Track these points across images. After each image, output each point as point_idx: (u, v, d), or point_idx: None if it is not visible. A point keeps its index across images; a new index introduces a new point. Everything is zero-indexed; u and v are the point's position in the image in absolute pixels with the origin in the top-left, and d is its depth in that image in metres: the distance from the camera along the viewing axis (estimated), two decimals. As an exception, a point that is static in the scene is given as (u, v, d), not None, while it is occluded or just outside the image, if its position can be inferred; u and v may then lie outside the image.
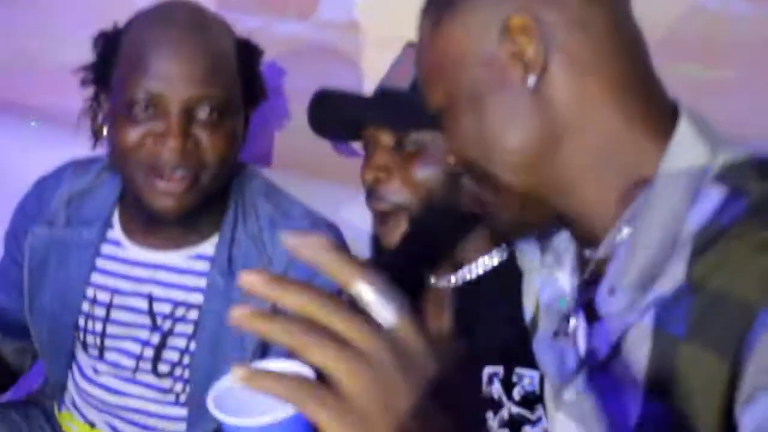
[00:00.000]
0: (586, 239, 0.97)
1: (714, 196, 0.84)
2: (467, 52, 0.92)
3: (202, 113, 1.33)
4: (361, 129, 1.38)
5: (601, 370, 0.94)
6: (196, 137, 1.33)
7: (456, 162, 0.99)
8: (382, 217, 1.34)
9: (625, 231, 0.90)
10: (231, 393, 1.01)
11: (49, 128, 1.91)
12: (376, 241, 1.38)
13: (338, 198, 1.64)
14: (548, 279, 1.07)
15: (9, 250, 1.60)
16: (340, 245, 0.92)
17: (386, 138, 1.32)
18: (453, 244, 1.35)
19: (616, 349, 0.90)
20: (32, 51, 2.16)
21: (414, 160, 1.29)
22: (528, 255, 1.13)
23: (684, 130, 0.89)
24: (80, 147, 1.54)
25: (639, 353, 0.87)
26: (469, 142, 0.94)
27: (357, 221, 1.48)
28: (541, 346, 1.09)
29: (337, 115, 1.37)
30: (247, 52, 1.44)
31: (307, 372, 0.98)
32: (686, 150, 0.88)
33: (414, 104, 1.14)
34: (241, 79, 1.41)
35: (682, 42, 1.54)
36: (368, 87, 1.78)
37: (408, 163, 1.29)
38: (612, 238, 0.91)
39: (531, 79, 0.88)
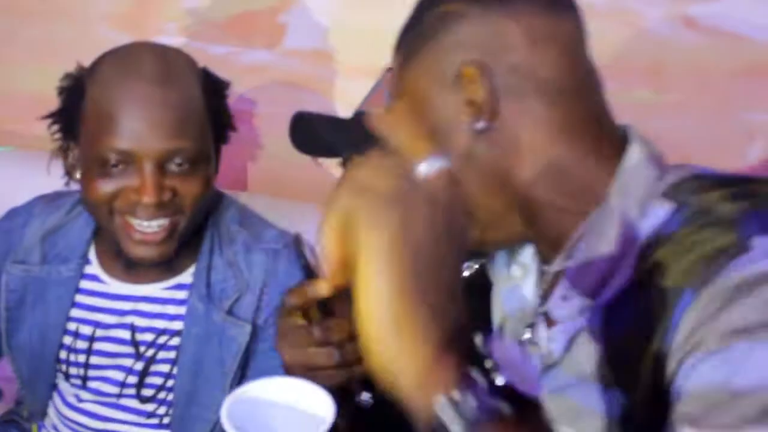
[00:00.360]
0: (546, 255, 1.03)
1: (660, 211, 0.90)
2: (429, 96, 0.97)
3: (175, 164, 1.32)
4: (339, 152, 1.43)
5: (559, 369, 1.00)
6: (171, 187, 1.33)
7: None
8: None
9: (580, 245, 0.96)
10: (243, 407, 1.02)
11: (20, 154, 1.92)
12: None
13: (310, 217, 1.69)
14: (514, 290, 1.13)
15: None
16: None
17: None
18: None
19: (569, 348, 0.96)
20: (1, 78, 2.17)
21: None
22: (497, 267, 1.18)
23: (634, 155, 0.95)
24: (53, 175, 1.52)
25: (590, 351, 0.93)
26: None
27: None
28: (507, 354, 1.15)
29: (316, 140, 1.40)
30: (214, 89, 1.43)
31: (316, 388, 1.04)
32: (636, 171, 0.93)
33: None
34: (210, 117, 1.40)
35: (634, 68, 1.61)
36: (335, 112, 1.83)
37: None
38: (567, 252, 0.98)
39: (482, 123, 0.93)
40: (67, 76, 1.40)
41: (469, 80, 0.93)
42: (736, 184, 0.89)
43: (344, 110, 1.81)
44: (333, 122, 1.39)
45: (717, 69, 1.56)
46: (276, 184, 1.85)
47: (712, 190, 0.89)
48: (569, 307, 0.95)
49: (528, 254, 1.12)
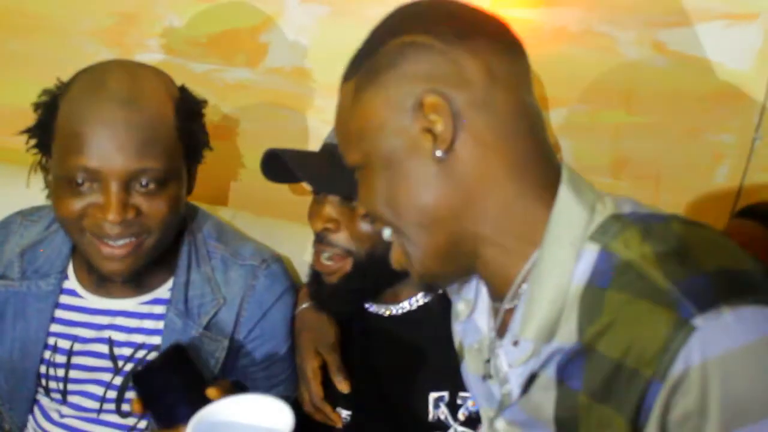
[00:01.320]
0: (495, 291, 1.06)
1: (589, 255, 0.95)
2: (385, 121, 0.99)
3: (141, 184, 1.33)
4: None
5: (515, 407, 1.05)
6: (136, 206, 1.34)
7: (368, 215, 1.07)
8: (321, 253, 1.42)
9: (524, 287, 1.00)
10: (206, 428, 1.10)
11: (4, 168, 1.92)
12: (316, 273, 1.46)
13: (287, 234, 1.72)
14: (468, 323, 1.18)
15: None
16: None
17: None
18: (390, 284, 1.44)
19: (526, 391, 1.01)
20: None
21: (360, 214, 1.38)
22: (453, 300, 1.23)
23: (563, 197, 0.98)
24: (32, 189, 1.53)
25: (546, 399, 0.99)
26: (381, 199, 1.01)
27: (305, 255, 1.54)
28: (471, 383, 1.19)
29: (287, 175, 1.42)
30: (188, 109, 1.43)
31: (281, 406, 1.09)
32: (566, 215, 0.97)
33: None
34: (182, 137, 1.40)
35: (607, 91, 1.66)
36: (314, 129, 1.86)
37: (354, 216, 1.39)
38: (512, 292, 1.02)
39: (438, 152, 0.96)
40: (45, 91, 1.42)
41: (430, 109, 0.96)
42: (656, 234, 0.93)
43: (323, 127, 1.84)
44: (302, 156, 1.42)
45: (686, 92, 1.61)
46: (257, 202, 1.87)
47: (635, 239, 0.93)
48: (520, 352, 1.00)
49: (471, 289, 1.16)
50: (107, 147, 1.30)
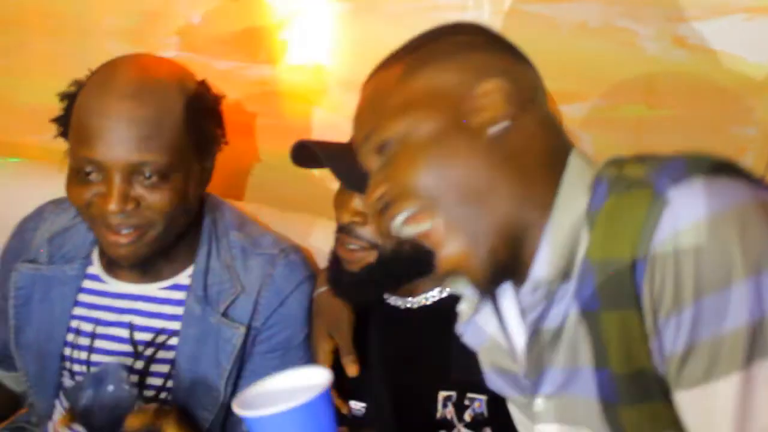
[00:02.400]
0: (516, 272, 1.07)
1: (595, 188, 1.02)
2: (440, 98, 1.05)
3: (144, 176, 1.37)
4: None
5: (556, 369, 1.06)
6: (137, 197, 1.37)
7: (398, 191, 1.06)
8: (344, 242, 1.43)
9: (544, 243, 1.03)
10: (253, 398, 1.19)
11: (30, 165, 1.95)
12: (337, 260, 1.47)
13: (307, 227, 1.74)
14: (470, 324, 1.20)
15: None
16: None
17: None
18: (410, 280, 1.45)
19: (557, 336, 1.04)
20: (6, 90, 2.21)
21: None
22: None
23: (575, 161, 1.06)
24: (59, 185, 1.54)
25: (581, 338, 1.02)
26: (425, 174, 1.03)
27: (325, 249, 1.56)
28: (491, 379, 1.21)
29: (313, 162, 1.44)
30: (200, 104, 1.46)
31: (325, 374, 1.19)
32: (579, 169, 1.04)
33: None
34: (191, 131, 1.43)
35: (628, 85, 1.66)
36: (335, 125, 1.87)
37: None
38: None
39: (492, 129, 1.03)
40: (72, 83, 1.47)
41: (489, 91, 1.04)
42: (642, 157, 1.00)
43: (344, 123, 1.85)
44: (334, 149, 1.43)
45: (707, 86, 1.61)
46: (277, 197, 1.89)
47: (622, 163, 1.01)
48: (540, 294, 1.03)
49: (469, 289, 1.18)
50: (110, 139, 1.34)
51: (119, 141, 1.34)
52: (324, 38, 1.86)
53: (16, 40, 2.16)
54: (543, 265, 1.02)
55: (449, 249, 1.04)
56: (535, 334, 1.06)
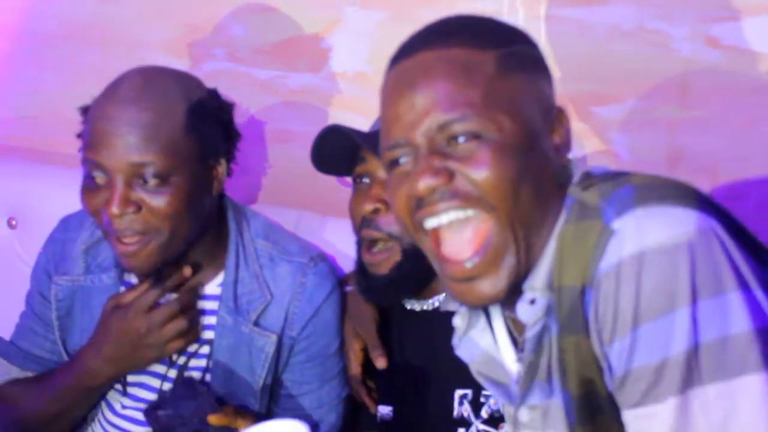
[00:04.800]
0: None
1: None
2: (532, 106, 1.07)
3: (144, 179, 1.40)
4: (356, 164, 1.52)
5: (538, 383, 1.12)
6: (140, 201, 1.41)
7: (462, 189, 1.05)
8: (370, 245, 1.48)
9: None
10: None
11: (76, 173, 2.01)
12: (362, 269, 1.51)
13: (328, 228, 1.79)
14: (465, 340, 1.23)
15: (40, 287, 1.66)
16: None
17: (383, 171, 1.45)
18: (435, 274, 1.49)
19: (540, 353, 1.09)
20: (59, 105, 2.28)
21: None
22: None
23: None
24: None
25: (552, 356, 1.07)
26: (509, 170, 1.02)
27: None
28: (488, 387, 1.25)
29: (342, 143, 1.49)
30: (204, 111, 1.47)
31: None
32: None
33: None
34: (194, 137, 1.45)
35: (662, 86, 1.68)
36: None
37: None
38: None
39: (556, 141, 1.09)
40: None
41: (561, 118, 1.11)
42: (609, 177, 1.05)
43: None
44: (360, 132, 1.48)
45: (740, 86, 1.63)
46: (320, 203, 1.93)
47: (591, 183, 1.05)
48: (536, 310, 1.06)
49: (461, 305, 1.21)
50: (112, 142, 1.39)
51: (120, 143, 1.39)
52: (363, 46, 1.90)
53: (66, 54, 2.23)
54: (536, 278, 1.06)
55: (486, 257, 1.04)
56: (533, 350, 1.08)
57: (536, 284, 1.05)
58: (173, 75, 1.50)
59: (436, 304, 1.52)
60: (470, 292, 1.06)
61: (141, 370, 1.55)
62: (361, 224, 1.48)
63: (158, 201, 1.41)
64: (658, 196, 0.97)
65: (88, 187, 1.44)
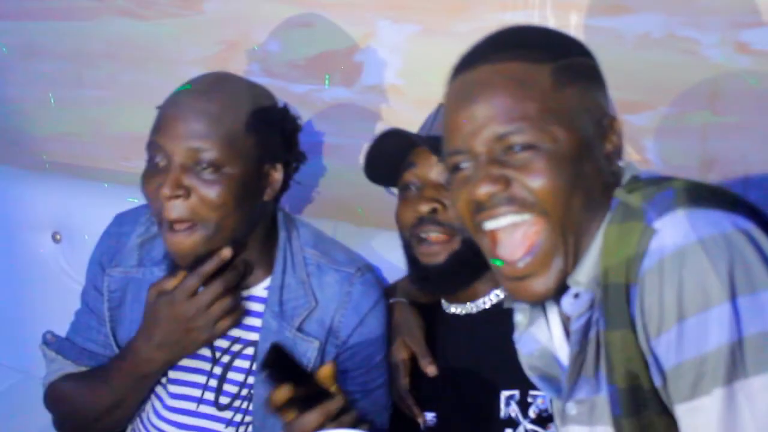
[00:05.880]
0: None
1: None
2: (586, 118, 1.13)
3: (200, 167, 1.45)
4: (403, 172, 1.56)
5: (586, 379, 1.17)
6: (192, 188, 1.45)
7: (518, 195, 1.12)
8: (423, 240, 1.51)
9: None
10: None
11: (118, 189, 2.06)
12: (416, 265, 1.55)
13: (385, 242, 1.80)
14: (526, 334, 1.28)
15: (94, 280, 1.69)
16: None
17: (435, 174, 1.51)
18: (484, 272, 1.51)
19: (585, 348, 1.14)
20: (99, 120, 2.35)
21: None
22: (515, 309, 1.31)
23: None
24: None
25: (600, 351, 1.12)
26: (563, 179, 1.10)
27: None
28: (538, 383, 1.28)
29: (390, 149, 1.54)
30: (266, 118, 1.52)
31: None
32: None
33: None
34: (253, 138, 1.49)
35: (693, 93, 1.69)
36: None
37: None
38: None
39: (608, 149, 1.15)
40: None
41: (615, 126, 1.16)
42: (653, 180, 1.12)
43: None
44: (424, 137, 1.53)
45: (771, 91, 1.63)
46: (354, 214, 1.97)
47: (636, 185, 1.11)
48: (580, 305, 1.12)
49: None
50: (175, 127, 1.46)
51: (182, 128, 1.45)
52: (396, 59, 1.93)
53: (106, 72, 2.29)
54: (581, 272, 1.12)
55: (537, 258, 1.12)
56: (578, 342, 1.13)
57: (580, 279, 1.12)
58: (246, 81, 1.59)
59: (482, 306, 1.55)
60: (522, 290, 1.14)
61: (193, 353, 1.58)
62: (416, 225, 1.52)
63: (208, 190, 1.45)
64: (698, 199, 1.03)
65: (149, 171, 1.50)
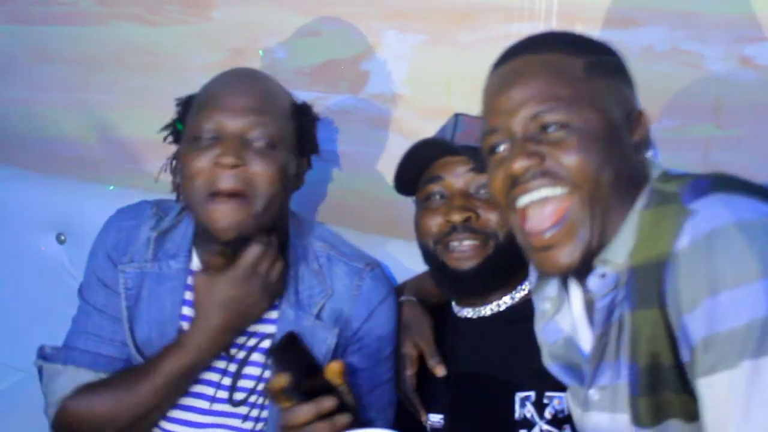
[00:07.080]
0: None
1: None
2: (612, 103, 1.21)
3: (255, 143, 1.50)
4: (427, 183, 1.57)
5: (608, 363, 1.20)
6: (249, 162, 1.49)
7: (552, 169, 1.18)
8: (462, 251, 1.51)
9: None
10: None
11: (123, 191, 2.07)
12: (443, 268, 1.54)
13: (388, 249, 1.83)
14: (550, 323, 1.32)
15: (104, 278, 1.65)
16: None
17: (462, 183, 1.53)
18: (518, 269, 1.50)
19: (608, 331, 1.18)
20: (107, 124, 2.36)
21: (490, 204, 1.49)
22: (535, 301, 1.35)
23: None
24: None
25: (624, 332, 1.16)
26: (595, 158, 1.16)
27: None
28: (554, 371, 1.32)
29: (421, 156, 1.55)
30: (303, 112, 1.62)
31: None
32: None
33: None
34: (294, 127, 1.57)
35: (696, 106, 1.70)
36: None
37: (488, 204, 1.51)
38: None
39: (636, 139, 1.22)
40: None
41: (642, 118, 1.24)
42: (687, 175, 1.17)
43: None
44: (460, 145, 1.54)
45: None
46: (360, 220, 1.97)
47: (667, 178, 1.17)
48: (606, 284, 1.16)
49: (554, 287, 1.31)
50: (232, 103, 1.52)
51: (238, 105, 1.52)
52: (401, 68, 1.94)
53: (115, 77, 2.30)
54: (615, 252, 1.16)
55: (563, 229, 1.17)
56: (602, 323, 1.17)
57: (609, 258, 1.17)
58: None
59: (495, 309, 1.56)
60: (548, 260, 1.19)
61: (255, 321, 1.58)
62: (446, 233, 1.53)
63: (262, 164, 1.50)
64: (732, 186, 1.10)
65: (194, 148, 1.51)
